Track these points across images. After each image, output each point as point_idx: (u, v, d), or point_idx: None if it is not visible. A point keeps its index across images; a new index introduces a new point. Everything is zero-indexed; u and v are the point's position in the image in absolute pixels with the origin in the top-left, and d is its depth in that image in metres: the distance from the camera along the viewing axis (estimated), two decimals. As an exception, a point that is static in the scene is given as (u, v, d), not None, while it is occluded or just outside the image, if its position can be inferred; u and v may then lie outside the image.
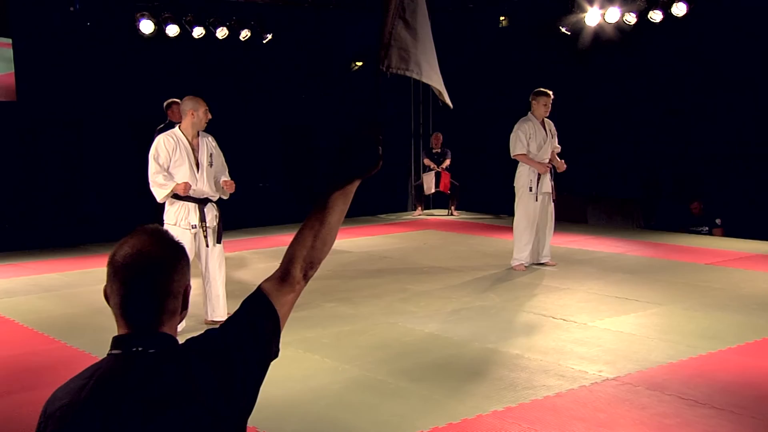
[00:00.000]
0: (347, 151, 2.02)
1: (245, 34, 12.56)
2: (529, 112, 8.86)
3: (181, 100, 6.56)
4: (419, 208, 13.73)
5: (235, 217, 13.06)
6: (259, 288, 2.01)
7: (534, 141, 8.72)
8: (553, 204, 8.96)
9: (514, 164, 8.92)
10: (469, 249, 10.13)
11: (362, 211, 13.66)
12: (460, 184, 13.45)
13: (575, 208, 12.95)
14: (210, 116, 6.27)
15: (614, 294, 7.59)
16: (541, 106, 8.73)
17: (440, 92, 2.31)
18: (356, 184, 2.05)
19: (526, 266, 8.87)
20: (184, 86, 13.41)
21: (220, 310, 6.40)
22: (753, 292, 7.62)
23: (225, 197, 6.49)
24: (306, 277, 2.04)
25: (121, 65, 11.96)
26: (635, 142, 13.45)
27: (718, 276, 8.34)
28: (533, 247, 8.99)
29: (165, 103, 9.97)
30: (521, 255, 8.88)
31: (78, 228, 11.60)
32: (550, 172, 8.86)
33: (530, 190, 8.77)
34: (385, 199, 14.04)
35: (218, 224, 6.32)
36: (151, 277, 1.82)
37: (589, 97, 13.18)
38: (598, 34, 12.48)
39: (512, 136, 8.80)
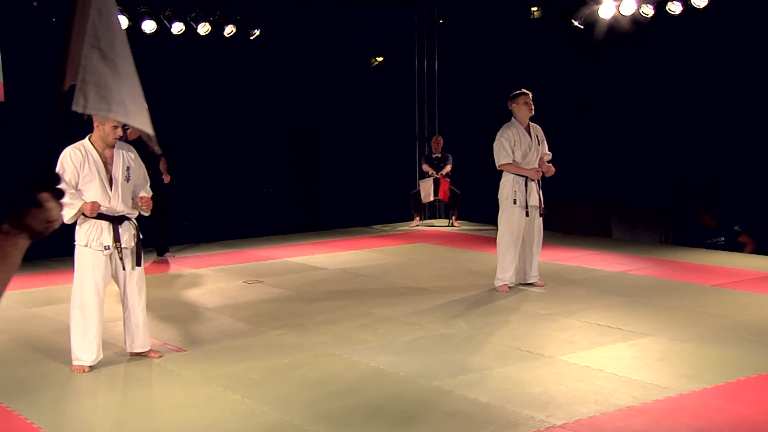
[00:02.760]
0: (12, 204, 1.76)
1: (230, 30, 12.40)
2: (513, 118, 8.58)
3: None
4: (417, 218, 13.45)
5: (225, 226, 13.09)
6: None
7: (519, 148, 8.43)
8: (541, 218, 8.66)
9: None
10: (457, 266, 9.86)
11: (357, 222, 13.47)
12: (463, 192, 13.17)
13: (598, 219, 12.52)
14: (120, 134, 6.03)
15: (597, 321, 7.29)
16: (523, 106, 8.44)
17: (149, 137, 2.09)
18: (17, 244, 1.78)
19: (510, 287, 8.58)
20: (174, 86, 13.65)
21: (140, 341, 6.21)
22: (754, 319, 7.27)
23: (145, 214, 6.27)
24: None
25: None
26: (666, 145, 13.03)
27: (721, 300, 7.99)
28: (520, 266, 8.71)
29: None
30: (505, 275, 8.59)
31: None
32: (538, 183, 8.56)
33: (514, 203, 8.48)
34: (384, 208, 13.78)
35: (137, 245, 6.11)
36: None
37: (610, 94, 12.79)
38: (613, 27, 12.13)
39: (495, 145, 8.53)
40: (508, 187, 8.54)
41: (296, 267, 9.91)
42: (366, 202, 14.40)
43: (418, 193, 13.30)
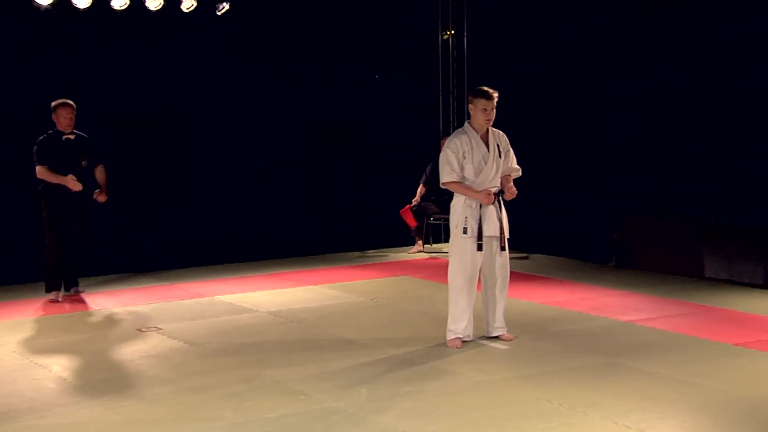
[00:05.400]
0: None
1: (189, 4, 11.18)
2: (467, 122, 7.13)
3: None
4: (419, 242, 11.94)
5: (194, 248, 11.92)
6: None
7: (470, 162, 6.96)
8: (505, 252, 7.13)
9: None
10: (424, 310, 8.41)
11: (359, 242, 12.21)
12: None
13: (684, 243, 10.45)
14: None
15: (547, 394, 5.77)
16: (479, 112, 6.97)
17: None
18: None
19: (465, 341, 7.10)
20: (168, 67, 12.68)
21: None
22: (760, 392, 5.67)
23: None
24: None
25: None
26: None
27: (728, 365, 6.39)
28: (484, 314, 7.24)
29: (53, 105, 8.90)
30: (457, 325, 7.11)
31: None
32: (498, 204, 7.05)
33: (464, 232, 7.00)
34: (392, 228, 12.27)
35: None
36: None
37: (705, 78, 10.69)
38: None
39: (441, 157, 7.09)
40: (458, 211, 7.08)
41: (221, 308, 8.66)
42: (378, 218, 12.84)
43: (422, 209, 11.78)
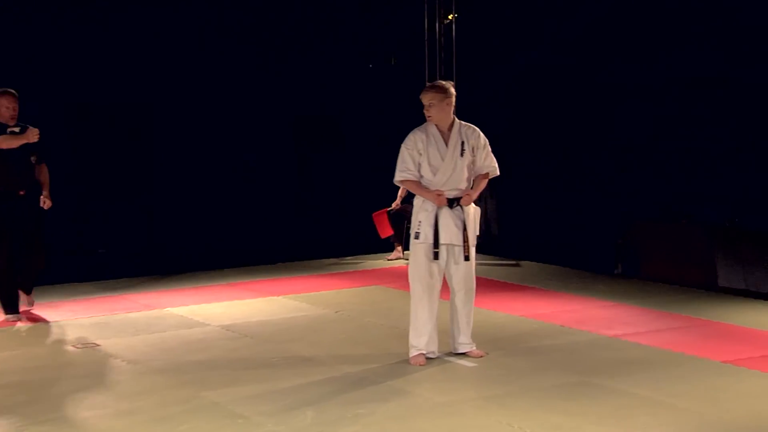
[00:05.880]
0: None
1: None
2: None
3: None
4: (398, 248, 11.37)
5: (156, 253, 11.32)
6: None
7: (425, 159, 6.47)
8: (469, 262, 6.59)
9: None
10: (389, 325, 7.88)
11: (328, 251, 11.69)
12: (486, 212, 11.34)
13: (696, 249, 9.68)
14: None
15: (510, 417, 5.28)
16: (445, 105, 6.46)
17: None
18: None
19: (430, 357, 6.58)
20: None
21: None
22: (739, 414, 5.21)
23: None
24: None
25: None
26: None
27: (711, 385, 5.90)
28: (450, 328, 6.73)
29: None
30: (419, 340, 6.60)
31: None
32: (461, 209, 6.52)
33: (416, 238, 6.50)
34: (374, 231, 11.67)
35: None
36: None
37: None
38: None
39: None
40: (414, 215, 6.59)
41: (169, 322, 8.09)
42: (359, 221, 12.19)
43: (401, 213, 11.20)
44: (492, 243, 11.55)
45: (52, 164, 8.46)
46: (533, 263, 10.91)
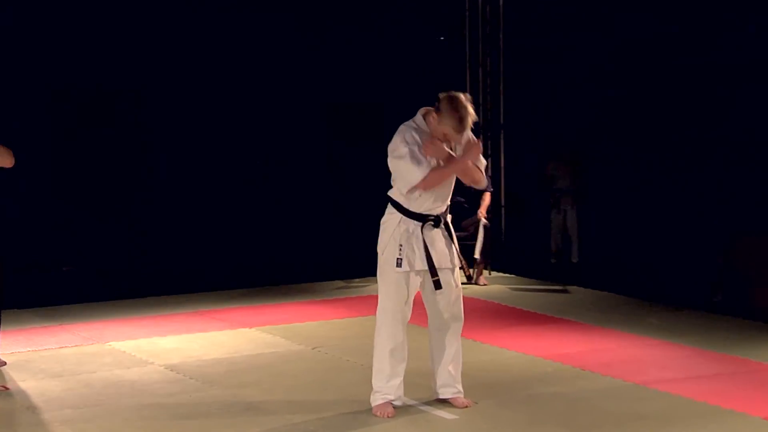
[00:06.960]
0: None
1: None
2: (420, 115, 5.62)
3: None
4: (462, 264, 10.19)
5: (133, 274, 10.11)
6: None
7: None
8: (457, 289, 5.61)
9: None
10: (369, 365, 6.68)
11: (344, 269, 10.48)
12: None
13: None
14: None
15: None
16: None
17: None
18: None
19: (398, 405, 5.52)
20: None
21: None
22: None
23: None
24: None
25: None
26: None
27: None
28: (431, 368, 5.70)
29: None
30: (387, 385, 5.53)
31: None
32: (446, 225, 5.58)
33: (398, 266, 5.47)
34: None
35: None
36: None
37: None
38: None
39: (395, 159, 5.57)
40: (388, 232, 5.58)
41: (106, 360, 6.91)
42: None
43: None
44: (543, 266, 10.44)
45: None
46: (586, 290, 9.46)
